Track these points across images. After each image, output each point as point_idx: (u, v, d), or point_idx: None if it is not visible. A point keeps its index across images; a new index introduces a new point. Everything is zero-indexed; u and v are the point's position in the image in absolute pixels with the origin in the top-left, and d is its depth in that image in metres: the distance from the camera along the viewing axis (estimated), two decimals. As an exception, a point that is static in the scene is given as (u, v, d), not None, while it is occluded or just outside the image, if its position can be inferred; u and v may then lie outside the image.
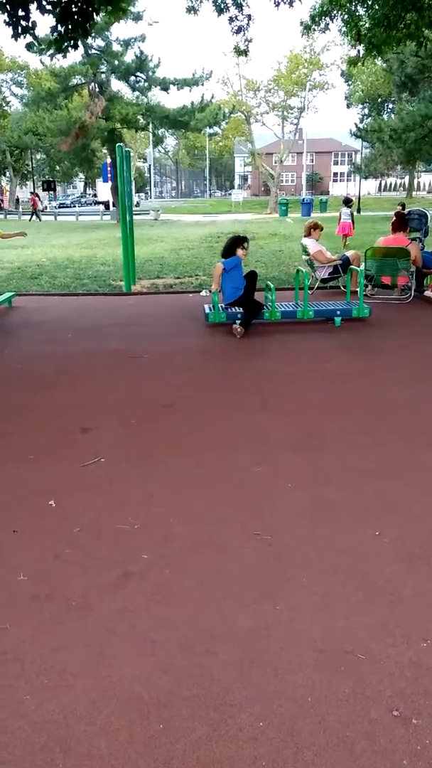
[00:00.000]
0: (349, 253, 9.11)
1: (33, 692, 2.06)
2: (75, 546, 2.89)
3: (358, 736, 1.87)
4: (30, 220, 33.48)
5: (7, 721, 1.95)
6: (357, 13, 10.87)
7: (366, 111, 41.91)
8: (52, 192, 45.90)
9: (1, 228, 8.90)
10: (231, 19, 10.52)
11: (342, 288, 8.97)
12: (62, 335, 7.26)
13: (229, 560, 2.76)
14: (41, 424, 4.46)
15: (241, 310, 7.39)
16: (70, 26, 7.68)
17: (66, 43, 7.86)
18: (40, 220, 33.85)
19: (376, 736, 1.87)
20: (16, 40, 7.47)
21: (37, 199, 35.42)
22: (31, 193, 39.68)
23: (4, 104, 46.01)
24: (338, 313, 7.42)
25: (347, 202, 16.39)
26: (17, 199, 47.18)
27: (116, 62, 28.38)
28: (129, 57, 28.52)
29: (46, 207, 35.77)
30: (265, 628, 2.33)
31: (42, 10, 7.57)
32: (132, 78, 29.28)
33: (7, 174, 47.15)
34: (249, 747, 1.84)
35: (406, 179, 51.63)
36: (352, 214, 15.96)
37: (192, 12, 10.59)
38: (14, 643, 2.28)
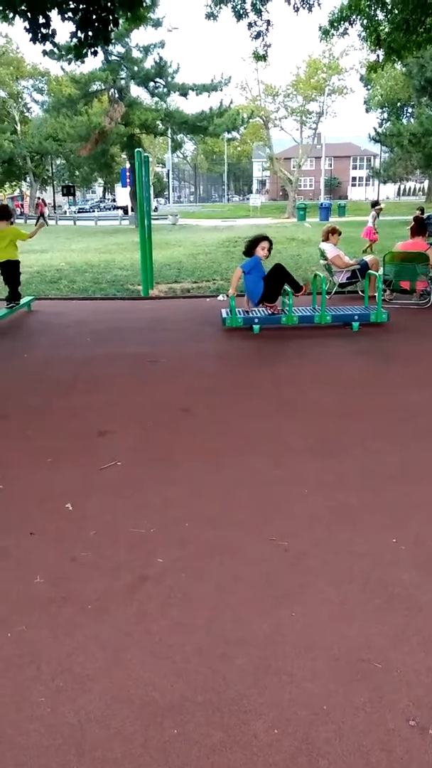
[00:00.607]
0: (368, 258, 9.07)
1: (48, 694, 2.07)
2: (91, 549, 2.90)
3: (375, 745, 1.85)
4: (36, 224, 33.98)
5: (22, 723, 1.96)
6: (376, 18, 10.87)
7: (385, 115, 41.79)
8: (71, 197, 46.26)
9: (22, 229, 9.00)
10: (250, 25, 10.57)
11: (360, 293, 8.93)
12: (81, 339, 7.31)
13: (245, 565, 2.75)
14: (59, 427, 4.48)
15: (263, 313, 7.43)
16: (89, 33, 7.76)
17: (85, 50, 7.94)
18: (47, 224, 34.34)
19: (393, 745, 1.85)
20: (34, 43, 7.56)
21: (43, 204, 35.81)
22: (38, 198, 40.21)
23: (25, 110, 46.64)
24: (356, 318, 7.38)
25: (374, 205, 16.34)
26: (37, 204, 47.65)
27: (136, 68, 28.61)
28: (148, 63, 28.76)
29: (48, 214, 36.28)
30: (280, 634, 2.32)
31: (62, 17, 7.66)
32: (151, 84, 29.49)
33: (28, 179, 47.66)
34: (264, 754, 1.83)
35: (425, 183, 51.30)
36: (374, 218, 15.89)
37: (211, 18, 10.65)
38: (30, 645, 2.29)
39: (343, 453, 3.92)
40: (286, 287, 7.59)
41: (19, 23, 7.67)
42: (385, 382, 5.45)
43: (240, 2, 10.28)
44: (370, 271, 8.45)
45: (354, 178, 71.54)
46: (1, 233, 8.38)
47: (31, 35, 7.55)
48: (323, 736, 1.89)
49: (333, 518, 3.13)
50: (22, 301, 9.02)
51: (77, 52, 7.95)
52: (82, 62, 7.84)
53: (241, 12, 10.35)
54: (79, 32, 7.73)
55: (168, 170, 65.21)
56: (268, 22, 10.60)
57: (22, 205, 46.01)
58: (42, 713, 2.00)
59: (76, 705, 2.02)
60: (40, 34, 7.53)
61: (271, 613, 2.43)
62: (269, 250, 7.49)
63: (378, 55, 11.50)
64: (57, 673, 2.16)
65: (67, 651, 2.26)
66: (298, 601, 2.50)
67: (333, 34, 11.44)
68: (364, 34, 11.36)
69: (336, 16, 11.17)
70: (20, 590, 2.62)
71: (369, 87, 44.37)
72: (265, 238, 7.49)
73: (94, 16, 7.65)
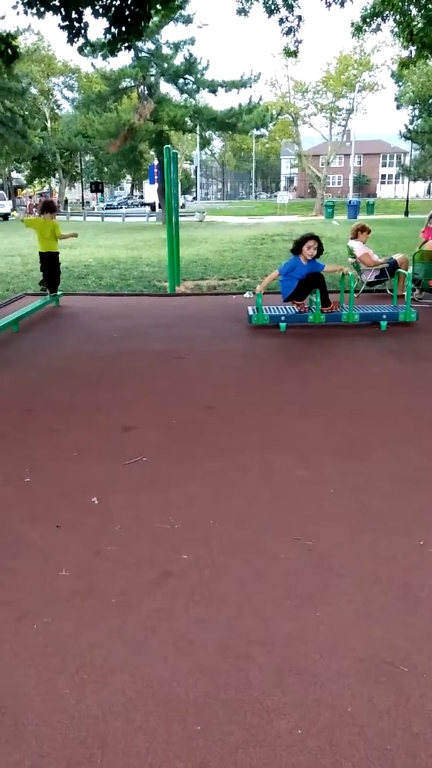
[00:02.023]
0: (397, 257, 8.96)
1: (72, 687, 2.08)
2: (116, 543, 2.92)
3: (399, 749, 1.83)
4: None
5: (47, 714, 1.98)
6: (409, 13, 10.71)
7: (416, 112, 41.16)
8: (100, 193, 46.58)
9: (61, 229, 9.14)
10: (281, 21, 10.49)
11: (389, 291, 8.83)
12: (107, 335, 7.35)
13: (269, 564, 2.74)
14: (85, 422, 4.52)
15: (291, 310, 7.39)
16: (123, 28, 7.78)
17: (119, 45, 7.97)
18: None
19: (418, 750, 1.83)
20: (72, 44, 7.62)
21: (32, 204, 36.14)
22: (41, 194, 40.59)
23: (55, 107, 47.02)
24: (384, 317, 7.30)
25: None
26: (66, 200, 48.11)
27: (165, 65, 28.62)
28: (178, 60, 28.74)
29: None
30: (304, 635, 2.30)
31: (96, 13, 7.70)
32: (181, 80, 29.49)
33: (57, 175, 48.09)
34: (287, 754, 1.82)
35: (457, 182, 50.58)
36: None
37: (242, 14, 10.61)
38: (55, 637, 2.31)
39: (369, 454, 3.88)
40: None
41: (51, 21, 7.75)
42: (413, 382, 5.38)
43: (272, -2, 10.22)
44: (399, 269, 8.35)
45: (383, 176, 70.70)
46: (45, 224, 8.86)
47: (66, 32, 7.60)
48: (347, 739, 1.87)
49: (358, 520, 3.10)
50: (50, 296, 9.12)
51: (111, 47, 7.98)
52: (116, 56, 7.93)
53: (273, 7, 10.28)
54: (112, 28, 7.76)
55: (196, 167, 65.21)
56: (300, 18, 10.52)
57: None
58: (66, 705, 2.01)
59: (100, 698, 2.04)
60: (73, 30, 7.58)
61: (294, 613, 2.42)
62: (318, 249, 7.30)
63: (410, 51, 11.36)
64: (81, 665, 2.18)
65: (91, 644, 2.28)
66: (322, 601, 2.49)
67: (365, 30, 11.32)
68: (396, 29, 11.22)
69: (368, 11, 11.05)
70: (46, 582, 2.64)
71: (400, 83, 43.77)
72: (313, 237, 7.35)
73: (127, 11, 7.68)
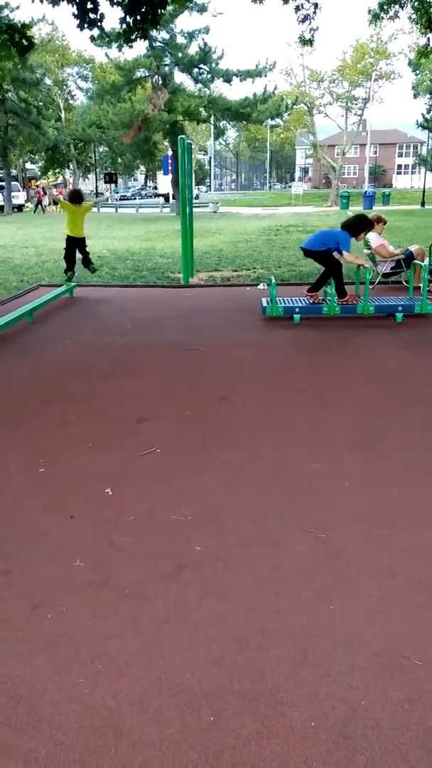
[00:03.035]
0: (413, 248, 8.86)
1: (87, 676, 2.10)
2: (130, 534, 2.93)
3: (413, 743, 1.82)
4: (34, 212, 34.76)
5: (62, 703, 1.99)
6: (428, 0, 10.54)
7: (434, 101, 40.64)
8: (114, 184, 46.55)
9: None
10: (297, 8, 10.38)
11: (404, 283, 8.75)
12: (121, 326, 7.36)
13: (283, 556, 2.74)
14: (99, 413, 4.53)
15: (302, 303, 7.38)
16: (138, 17, 7.74)
17: (134, 34, 7.93)
18: (44, 212, 34.99)
19: (433, 745, 1.82)
20: (81, 29, 7.59)
21: (42, 192, 36.26)
22: (36, 186, 40.72)
23: (69, 98, 46.98)
24: (400, 309, 7.23)
25: None
26: (36, 192, 48.09)
27: (180, 54, 28.45)
28: (193, 49, 28.54)
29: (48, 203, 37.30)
30: (318, 628, 2.30)
31: (111, 1, 7.66)
32: (195, 70, 29.29)
33: (71, 166, 48.10)
34: (300, 746, 1.82)
35: (474, 172, 49.87)
36: None
37: (258, 1, 10.50)
38: (69, 627, 2.33)
39: (384, 447, 3.85)
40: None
41: (66, 10, 7.73)
42: (429, 374, 5.33)
43: (288, -15, 10.10)
44: (415, 261, 8.27)
45: (399, 166, 69.93)
46: (79, 211, 9.45)
47: (78, 21, 7.57)
48: (360, 732, 1.87)
49: (373, 512, 3.09)
50: (65, 287, 9.16)
51: (126, 36, 7.93)
52: (131, 47, 7.88)
53: (289, -5, 10.17)
54: (127, 17, 7.72)
55: (210, 157, 64.91)
56: (316, 5, 10.39)
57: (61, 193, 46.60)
58: (80, 694, 2.03)
59: (114, 688, 2.05)
60: (87, 20, 7.55)
61: (309, 606, 2.42)
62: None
63: (428, 39, 11.20)
64: (95, 655, 2.19)
65: (105, 634, 2.29)
66: (336, 594, 2.48)
67: (382, 18, 11.17)
68: (414, 16, 11.06)
69: (386, -2, 10.90)
70: (60, 573, 2.66)
71: (418, 72, 43.21)
72: (368, 225, 7.54)
73: (142, -1, 7.65)
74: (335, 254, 7.44)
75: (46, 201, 36.06)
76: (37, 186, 40.08)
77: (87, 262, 9.81)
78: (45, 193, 34.88)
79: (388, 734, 1.86)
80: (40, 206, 35.57)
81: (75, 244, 9.64)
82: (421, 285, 7.52)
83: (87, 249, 9.82)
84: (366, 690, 2.02)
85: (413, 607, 2.40)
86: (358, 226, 7.40)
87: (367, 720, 1.91)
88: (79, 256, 9.78)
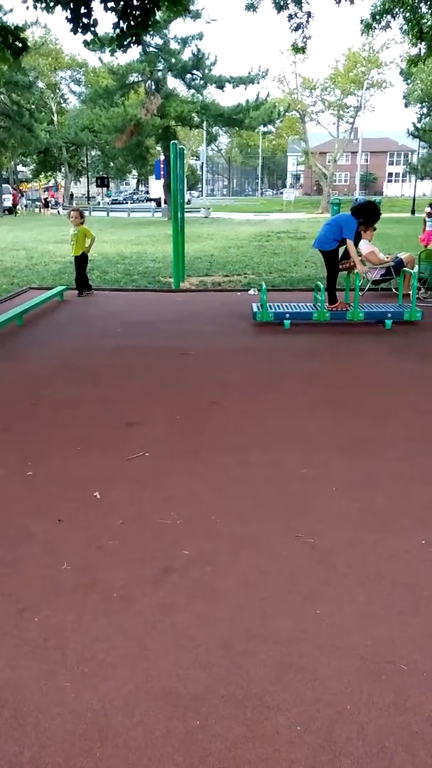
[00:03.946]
0: (403, 255, 8.92)
1: (73, 680, 2.09)
2: (118, 538, 2.93)
3: (398, 747, 1.83)
4: (6, 213, 35.08)
5: (48, 707, 1.98)
6: (419, 11, 10.65)
7: (425, 110, 41.00)
8: (106, 188, 46.60)
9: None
10: (290, 17, 10.44)
11: (394, 290, 8.81)
12: (111, 330, 7.35)
13: (271, 561, 2.75)
14: (89, 416, 4.52)
15: (292, 308, 7.41)
16: (131, 22, 7.76)
17: (127, 39, 7.94)
18: (16, 215, 35.20)
19: (417, 749, 1.83)
20: (75, 33, 7.58)
21: (18, 195, 36.48)
22: (14, 189, 41.02)
23: (62, 101, 46.95)
24: (389, 315, 7.28)
25: None
26: (71, 195, 48.11)
27: (173, 60, 28.55)
28: (186, 55, 28.67)
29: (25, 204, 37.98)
30: (305, 632, 2.30)
31: (105, 7, 7.67)
32: (188, 76, 29.42)
33: (63, 170, 48.04)
34: (286, 750, 1.83)
35: (464, 181, 50.35)
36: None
37: (251, 9, 10.56)
38: (56, 631, 2.32)
39: (373, 453, 3.87)
40: (318, 284, 7.55)
41: (59, 14, 7.72)
42: (418, 381, 5.37)
43: (281, -7, 10.16)
44: (405, 268, 8.33)
45: (390, 174, 70.46)
46: (81, 231, 9.62)
47: (72, 25, 7.57)
48: (346, 736, 1.87)
49: (361, 518, 3.10)
50: (55, 290, 9.14)
51: (120, 42, 7.94)
52: (124, 52, 7.94)
53: (282, 3, 10.23)
54: (120, 22, 7.74)
55: (202, 163, 65.07)
56: (309, 14, 10.46)
57: (54, 196, 46.63)
58: (66, 698, 2.02)
59: (100, 692, 2.04)
60: (81, 24, 7.56)
61: (296, 610, 2.42)
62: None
63: (420, 49, 11.29)
64: (82, 659, 2.18)
65: (92, 638, 2.28)
66: (323, 599, 2.49)
67: (374, 27, 11.26)
68: (405, 27, 11.16)
69: (378, 8, 10.99)
70: (47, 576, 2.65)
71: (409, 81, 43.59)
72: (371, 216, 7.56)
73: (135, 2, 7.65)
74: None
75: (22, 203, 36.26)
76: (14, 189, 40.34)
77: (84, 282, 9.91)
78: (22, 195, 35.07)
79: (373, 738, 1.86)
80: (15, 209, 35.79)
81: (80, 261, 9.75)
82: (410, 292, 7.57)
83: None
84: (351, 694, 2.03)
85: (399, 612, 2.41)
86: (365, 213, 7.45)
87: (352, 724, 1.92)
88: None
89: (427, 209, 13.88)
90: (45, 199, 43.48)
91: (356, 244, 7.51)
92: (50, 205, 41.03)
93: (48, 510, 3.19)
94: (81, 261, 9.71)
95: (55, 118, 43.83)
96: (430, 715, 1.94)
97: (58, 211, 38.65)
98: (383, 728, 1.90)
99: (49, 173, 49.36)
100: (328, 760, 1.79)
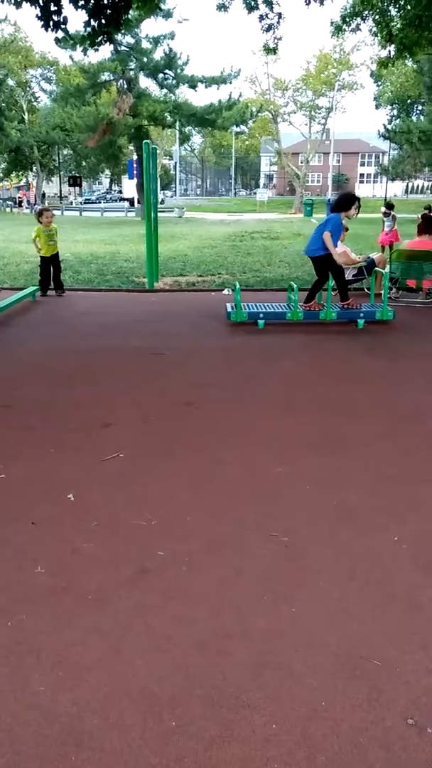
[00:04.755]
0: (375, 256, 9.04)
1: (47, 684, 2.07)
2: (93, 540, 2.91)
3: (372, 743, 1.86)
4: None
5: (21, 712, 1.96)
6: (389, 13, 10.78)
7: (395, 112, 41.51)
8: (78, 188, 46.28)
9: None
10: (261, 17, 10.49)
11: (366, 290, 8.90)
12: (85, 330, 7.30)
13: (246, 560, 2.76)
14: (62, 418, 4.48)
15: (266, 308, 7.44)
16: (102, 20, 7.71)
17: (99, 38, 7.90)
18: None
19: (391, 743, 1.85)
20: (46, 30, 7.51)
21: None
22: (18, 187, 40.73)
23: (33, 100, 46.42)
24: (361, 315, 7.36)
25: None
26: (43, 194, 47.60)
27: (145, 59, 28.47)
28: (158, 54, 28.62)
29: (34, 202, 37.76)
30: (280, 630, 2.32)
31: (75, 4, 7.61)
32: (160, 75, 29.37)
33: (34, 169, 47.53)
34: (261, 748, 1.84)
35: (434, 182, 51.12)
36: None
37: (222, 9, 10.58)
38: (30, 635, 2.30)
39: (346, 451, 3.91)
40: (292, 284, 7.60)
41: (30, 12, 7.65)
42: (389, 380, 5.44)
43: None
44: (376, 268, 8.42)
45: (362, 175, 71.16)
46: (55, 229, 9.67)
47: (42, 23, 7.50)
48: (321, 732, 1.89)
49: (334, 516, 3.13)
50: (27, 291, 9.04)
51: (91, 40, 7.89)
52: (96, 50, 7.92)
53: (253, 4, 10.27)
54: (92, 20, 7.69)
55: (175, 163, 64.96)
56: (280, 15, 10.53)
57: (26, 195, 46.13)
58: (41, 702, 2.00)
59: (75, 695, 2.03)
60: (51, 22, 7.49)
61: (271, 609, 2.44)
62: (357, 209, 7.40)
63: (389, 51, 11.43)
64: (56, 662, 2.16)
65: (67, 641, 2.27)
66: (298, 597, 2.50)
67: (345, 30, 11.36)
68: (375, 29, 11.29)
69: (348, 11, 11.10)
70: (21, 580, 2.62)
71: (379, 83, 44.07)
72: (358, 198, 7.45)
73: (106, 1, 7.61)
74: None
75: None
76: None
77: (58, 281, 9.83)
78: None
79: (348, 734, 1.88)
80: None
81: (54, 261, 9.71)
82: (381, 292, 7.66)
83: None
84: (326, 691, 2.04)
85: (372, 608, 2.44)
86: (345, 201, 7.40)
87: (327, 721, 1.93)
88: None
89: (383, 209, 14.12)
90: (19, 198, 43.11)
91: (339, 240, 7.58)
92: (23, 204, 40.71)
93: (21, 513, 3.16)
94: (57, 259, 9.70)
95: (26, 117, 43.31)
96: (402, 710, 1.97)
97: (32, 210, 38.25)
98: (357, 724, 1.92)
99: (21, 172, 48.75)
100: (303, 757, 1.81)
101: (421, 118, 35.69)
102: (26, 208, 39.73)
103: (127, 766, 1.78)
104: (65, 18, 7.70)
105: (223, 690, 2.05)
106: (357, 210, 7.27)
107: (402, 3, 10.64)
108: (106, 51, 29.15)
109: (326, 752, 1.82)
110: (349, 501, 3.27)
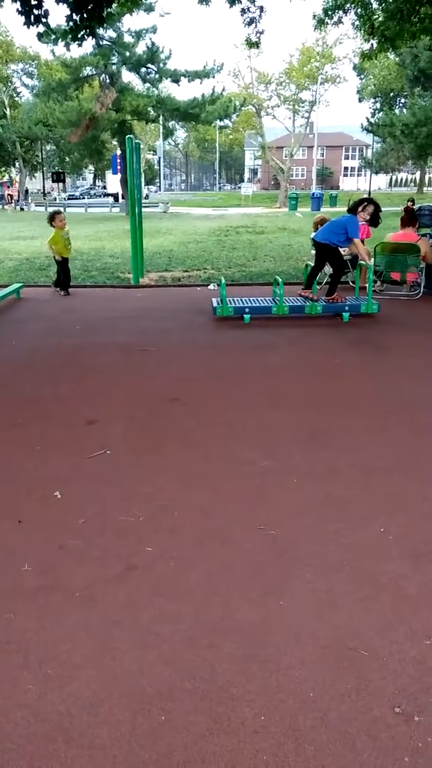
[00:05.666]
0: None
1: (36, 682, 2.07)
2: (80, 537, 2.90)
3: (360, 732, 1.87)
4: None
5: (10, 710, 1.96)
6: (371, 6, 10.79)
7: (378, 105, 41.68)
8: (62, 183, 45.92)
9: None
10: (243, 11, 10.46)
11: (351, 283, 8.93)
12: (70, 327, 7.27)
13: (234, 554, 2.76)
14: (48, 415, 4.47)
15: (251, 304, 7.44)
16: (84, 15, 7.65)
17: (81, 32, 7.83)
18: None
19: (378, 732, 1.87)
20: (28, 27, 7.44)
21: None
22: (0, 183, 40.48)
23: (14, 95, 45.97)
24: (347, 308, 7.39)
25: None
26: (26, 191, 47.22)
27: (127, 53, 28.27)
28: (140, 48, 28.43)
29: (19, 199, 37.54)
30: (268, 623, 2.33)
31: (56, -1, 7.55)
32: (143, 69, 29.18)
33: (17, 165, 47.10)
34: (250, 741, 1.85)
35: (417, 175, 51.35)
36: None
37: (204, 3, 10.51)
38: (18, 633, 2.29)
39: (332, 444, 3.93)
40: (277, 278, 7.61)
41: (9, 6, 7.56)
42: (375, 373, 5.46)
43: (233, -13, 10.16)
44: (361, 261, 8.44)
45: (346, 168, 71.24)
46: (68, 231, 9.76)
47: (24, 17, 7.42)
48: (309, 723, 1.90)
49: (321, 508, 3.15)
50: (11, 288, 8.98)
51: (73, 35, 7.83)
52: (80, 45, 7.85)
53: (234, -3, 10.23)
54: (74, 14, 7.62)
55: (159, 157, 64.66)
56: (261, 9, 10.50)
57: (9, 193, 45.73)
58: (29, 701, 2.00)
59: (64, 692, 2.03)
60: (32, 16, 7.42)
61: (259, 602, 2.45)
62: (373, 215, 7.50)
63: (372, 44, 11.44)
64: (45, 660, 2.16)
65: (55, 639, 2.26)
66: (286, 590, 2.52)
67: (327, 23, 11.35)
68: (358, 22, 11.29)
69: (330, 4, 11.08)
70: (8, 578, 2.61)
71: (362, 76, 44.17)
72: (368, 202, 7.56)
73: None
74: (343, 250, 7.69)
75: None
76: None
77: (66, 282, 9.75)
78: None
79: (336, 724, 1.90)
80: None
81: (63, 265, 9.62)
82: (366, 285, 7.69)
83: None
84: (314, 682, 2.06)
85: (359, 599, 2.46)
86: (355, 205, 7.51)
87: (315, 711, 1.95)
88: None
89: (408, 203, 14.21)
90: (9, 195, 42.78)
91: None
92: (12, 200, 40.28)
93: (7, 511, 3.14)
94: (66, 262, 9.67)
95: (7, 112, 42.89)
96: (390, 699, 1.99)
97: (22, 208, 37.94)
98: (345, 714, 1.94)
99: (3, 168, 48.30)
100: (292, 748, 1.82)
101: (404, 111, 35.79)
102: (16, 204, 39.32)
103: (116, 762, 1.79)
104: (46, 12, 7.63)
105: (212, 684, 2.06)
106: (369, 215, 7.42)
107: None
108: (88, 45, 28.81)
109: (315, 743, 1.84)
110: (335, 493, 3.29)
